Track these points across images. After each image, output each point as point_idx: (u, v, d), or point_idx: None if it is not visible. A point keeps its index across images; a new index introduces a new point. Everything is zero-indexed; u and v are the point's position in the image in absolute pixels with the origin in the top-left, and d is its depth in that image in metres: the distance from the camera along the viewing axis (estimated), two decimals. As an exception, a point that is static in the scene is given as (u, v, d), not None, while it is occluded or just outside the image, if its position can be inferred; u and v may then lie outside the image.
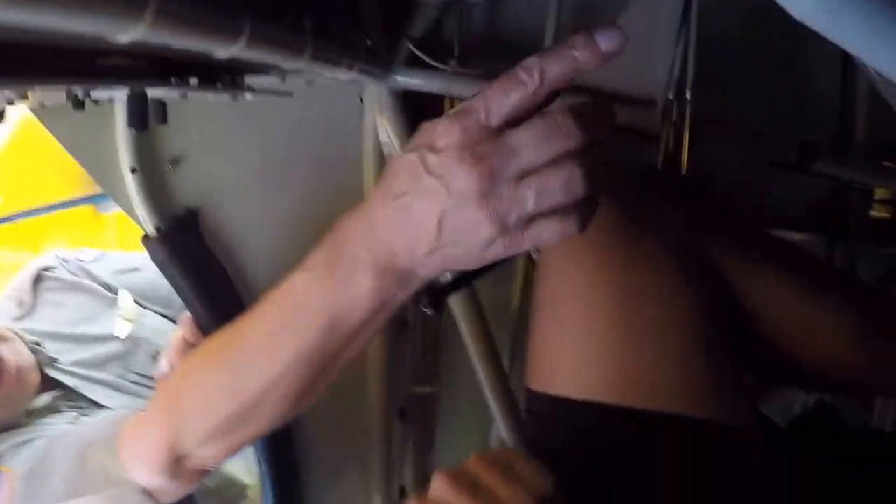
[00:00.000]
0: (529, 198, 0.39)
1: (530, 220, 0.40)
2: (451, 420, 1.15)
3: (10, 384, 1.04)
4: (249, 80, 0.69)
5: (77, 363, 1.15)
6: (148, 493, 0.67)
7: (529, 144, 0.39)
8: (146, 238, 0.87)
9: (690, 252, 0.64)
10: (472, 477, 0.46)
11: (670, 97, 0.82)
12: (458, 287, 0.91)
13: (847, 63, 1.00)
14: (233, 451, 0.62)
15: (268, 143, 0.96)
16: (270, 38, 0.45)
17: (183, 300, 0.90)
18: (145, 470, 0.65)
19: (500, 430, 1.01)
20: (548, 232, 0.40)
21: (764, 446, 0.65)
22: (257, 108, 0.85)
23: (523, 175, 0.39)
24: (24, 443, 1.00)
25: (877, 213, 1.08)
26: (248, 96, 0.70)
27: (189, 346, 0.87)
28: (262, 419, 0.57)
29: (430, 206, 0.41)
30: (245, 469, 1.16)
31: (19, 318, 1.19)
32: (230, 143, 0.94)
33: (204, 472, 0.66)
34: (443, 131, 0.40)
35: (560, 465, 0.50)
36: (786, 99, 1.03)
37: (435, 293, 0.87)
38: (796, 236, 1.07)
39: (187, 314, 0.90)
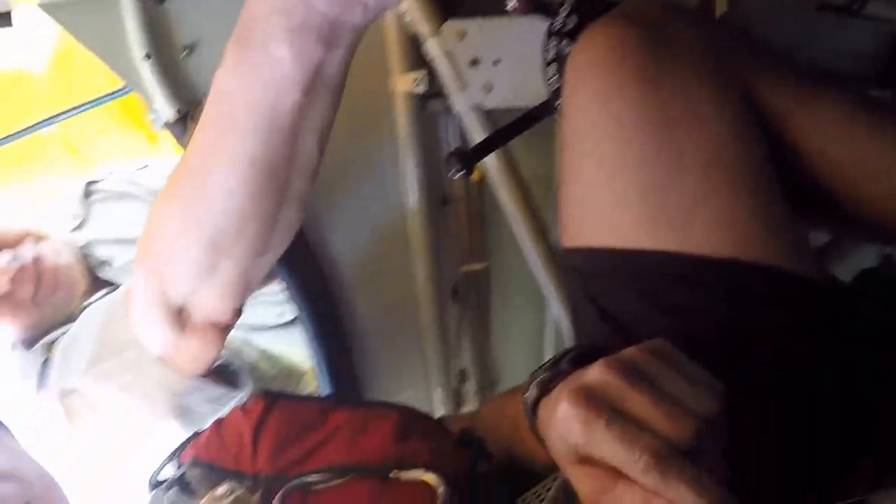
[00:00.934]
0: None
1: None
2: (506, 300, 1.11)
3: (50, 283, 1.08)
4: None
5: (130, 263, 1.18)
6: (165, 359, 0.66)
7: None
8: (168, 124, 0.86)
9: (730, 80, 0.54)
10: (639, 366, 0.35)
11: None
12: (490, 148, 0.85)
13: None
14: (229, 294, 0.58)
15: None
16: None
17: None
18: (150, 328, 0.63)
19: (554, 309, 0.97)
20: None
21: (831, 296, 0.57)
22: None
23: None
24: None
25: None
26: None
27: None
28: (237, 248, 0.52)
29: None
30: (301, 356, 1.19)
31: (74, 230, 1.23)
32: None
33: (218, 328, 0.64)
34: None
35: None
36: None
37: (464, 154, 0.82)
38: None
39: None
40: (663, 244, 0.53)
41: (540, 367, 0.45)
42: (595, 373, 0.35)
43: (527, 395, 0.45)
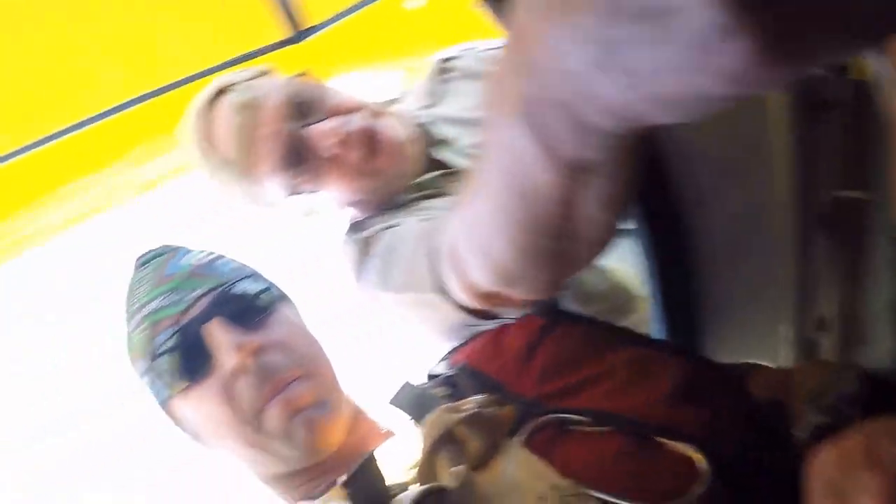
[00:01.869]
0: None
1: None
2: (885, 242, 0.84)
3: (385, 156, 1.05)
4: None
5: (473, 146, 1.13)
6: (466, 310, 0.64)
7: None
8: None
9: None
10: None
11: None
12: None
13: None
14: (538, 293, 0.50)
15: None
16: None
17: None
18: (455, 289, 0.60)
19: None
20: None
21: None
22: None
23: None
24: (390, 227, 1.04)
25: None
26: None
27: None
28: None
29: None
30: (638, 280, 1.07)
31: (425, 108, 1.21)
32: None
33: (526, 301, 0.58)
34: None
35: None
36: None
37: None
38: None
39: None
40: None
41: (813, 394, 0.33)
42: None
43: (798, 432, 0.36)
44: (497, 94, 0.36)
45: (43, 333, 1.80)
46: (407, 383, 0.76)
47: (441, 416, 0.61)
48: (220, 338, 0.73)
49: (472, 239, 0.49)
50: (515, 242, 0.42)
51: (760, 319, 0.96)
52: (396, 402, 0.73)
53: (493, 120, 0.37)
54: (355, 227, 1.13)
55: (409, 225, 1.00)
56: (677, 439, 0.55)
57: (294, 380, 0.74)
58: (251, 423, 0.72)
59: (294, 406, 0.72)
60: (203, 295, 0.77)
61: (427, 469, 0.59)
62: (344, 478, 0.50)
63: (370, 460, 0.52)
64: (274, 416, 0.72)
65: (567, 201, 0.37)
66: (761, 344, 0.97)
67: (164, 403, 0.79)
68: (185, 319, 0.76)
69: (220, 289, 0.78)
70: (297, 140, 1.01)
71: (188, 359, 0.74)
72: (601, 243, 0.42)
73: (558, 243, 0.41)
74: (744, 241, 0.92)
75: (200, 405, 0.75)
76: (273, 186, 1.05)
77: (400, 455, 0.71)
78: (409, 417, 0.71)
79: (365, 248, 1.06)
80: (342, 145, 1.01)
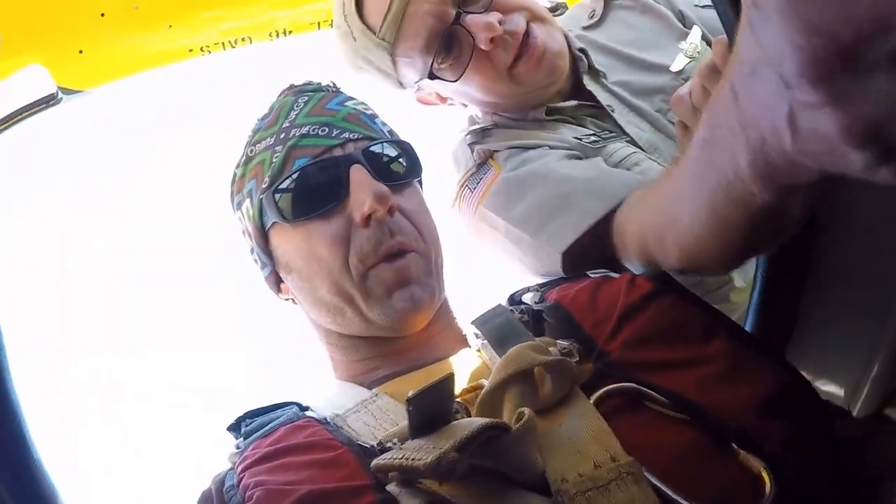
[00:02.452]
0: None
1: None
2: None
3: (534, 65, 1.01)
4: None
5: (621, 83, 1.10)
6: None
7: None
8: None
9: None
10: None
11: None
12: None
13: None
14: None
15: None
16: None
17: (723, 24, 0.76)
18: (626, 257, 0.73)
19: None
20: None
21: None
22: None
23: None
24: (524, 148, 1.02)
25: None
26: None
27: (715, 73, 0.73)
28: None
29: None
30: (743, 271, 1.02)
31: (587, 28, 1.17)
32: None
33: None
34: None
35: None
36: None
37: None
38: None
39: (722, 38, 0.75)
40: None
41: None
42: None
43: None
44: (721, 116, 0.42)
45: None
46: (499, 306, 0.76)
47: (525, 352, 0.60)
48: (362, 181, 0.74)
49: (668, 226, 0.59)
50: (721, 239, 0.52)
51: (854, 349, 0.89)
52: (480, 323, 0.73)
53: (715, 138, 0.44)
54: (479, 132, 1.11)
55: (551, 163, 0.97)
56: (753, 452, 0.53)
57: (412, 251, 0.75)
58: (353, 273, 0.74)
59: (404, 276, 0.73)
60: (356, 140, 0.79)
61: (491, 400, 0.58)
62: (410, 394, 0.50)
63: (449, 379, 0.51)
64: (383, 277, 0.73)
65: (778, 210, 0.45)
66: (844, 373, 0.91)
67: (267, 228, 0.80)
68: (333, 154, 0.77)
69: (374, 142, 0.79)
70: (453, 25, 0.98)
71: (323, 190, 0.76)
72: (793, 231, 0.50)
73: (761, 240, 0.51)
74: (864, 268, 0.84)
75: (311, 238, 0.76)
76: (413, 65, 1.02)
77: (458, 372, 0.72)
78: (487, 341, 0.70)
79: (486, 160, 1.05)
80: (495, 42, 0.98)
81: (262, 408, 0.73)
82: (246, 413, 0.73)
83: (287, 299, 0.86)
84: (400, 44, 0.99)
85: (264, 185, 0.79)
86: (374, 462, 0.53)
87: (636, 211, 0.71)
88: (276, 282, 0.85)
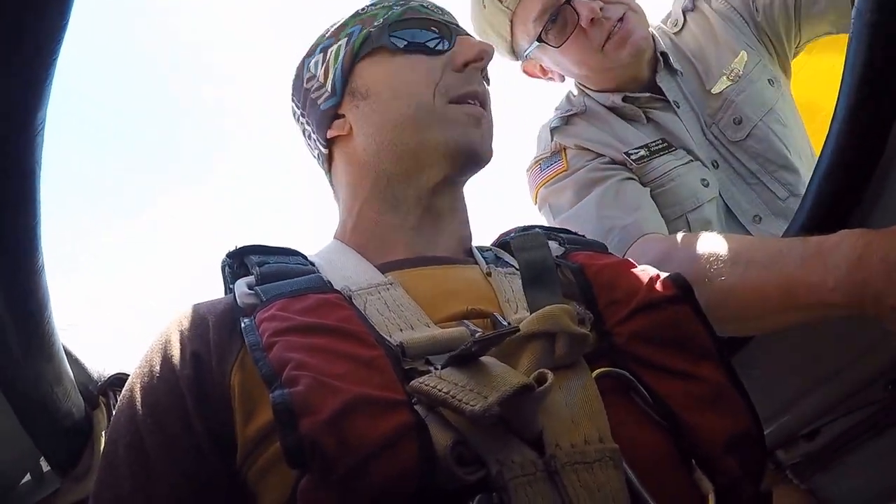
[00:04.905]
0: None
1: None
2: None
3: (622, 48, 1.21)
4: None
5: (689, 92, 1.30)
6: None
7: None
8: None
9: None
10: None
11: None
12: None
13: None
14: None
15: None
16: None
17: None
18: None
19: None
20: None
21: None
22: None
23: None
24: (590, 153, 1.25)
25: None
26: None
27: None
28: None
29: None
30: None
31: (674, 31, 1.35)
32: None
33: None
34: None
35: None
36: None
37: None
38: None
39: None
40: None
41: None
42: None
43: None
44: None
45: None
46: (537, 234, 0.83)
47: (561, 315, 0.61)
48: (471, 40, 0.86)
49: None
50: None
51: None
52: (518, 247, 0.79)
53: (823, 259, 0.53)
54: (564, 119, 1.31)
55: (614, 185, 1.19)
56: (711, 476, 0.58)
57: (487, 111, 0.85)
58: (437, 102, 0.81)
59: (479, 120, 0.83)
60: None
61: (514, 348, 0.60)
62: (478, 337, 0.52)
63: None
64: (463, 110, 0.82)
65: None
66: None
67: (362, 56, 0.83)
68: (447, 23, 0.86)
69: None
70: (564, 4, 1.19)
71: (433, 38, 0.84)
72: None
73: None
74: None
75: (408, 65, 0.82)
76: (526, 31, 1.24)
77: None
78: (519, 271, 0.76)
79: (559, 151, 1.27)
80: (594, 23, 1.18)
81: (270, 247, 0.70)
82: (251, 247, 0.70)
83: (332, 139, 0.85)
84: (520, 11, 1.22)
85: (378, 24, 0.83)
86: (415, 385, 0.54)
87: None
88: (332, 118, 0.84)
